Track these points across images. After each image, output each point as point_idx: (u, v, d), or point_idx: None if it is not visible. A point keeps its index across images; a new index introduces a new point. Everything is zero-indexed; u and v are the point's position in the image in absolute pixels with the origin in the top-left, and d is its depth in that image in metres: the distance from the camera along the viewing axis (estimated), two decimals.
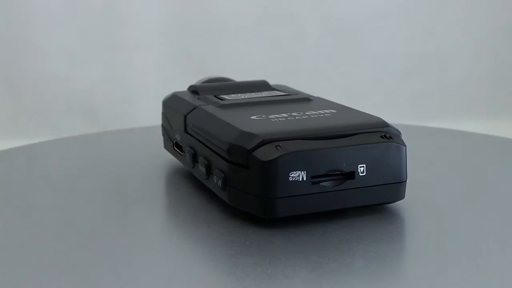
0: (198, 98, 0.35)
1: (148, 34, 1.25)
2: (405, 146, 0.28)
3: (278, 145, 0.27)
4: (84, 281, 0.23)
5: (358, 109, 0.34)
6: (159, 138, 0.38)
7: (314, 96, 0.35)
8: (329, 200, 0.27)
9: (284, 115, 0.30)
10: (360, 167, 0.27)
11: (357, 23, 1.28)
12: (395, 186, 0.28)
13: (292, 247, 0.26)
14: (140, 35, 1.25)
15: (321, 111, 0.31)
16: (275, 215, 0.27)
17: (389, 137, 0.28)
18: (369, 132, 0.28)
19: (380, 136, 0.28)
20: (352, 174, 0.27)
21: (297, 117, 0.30)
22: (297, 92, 0.36)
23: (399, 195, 0.29)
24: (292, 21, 1.28)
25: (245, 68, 1.25)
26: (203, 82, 0.39)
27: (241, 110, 0.32)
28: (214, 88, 0.37)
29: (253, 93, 0.36)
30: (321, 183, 0.27)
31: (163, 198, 0.32)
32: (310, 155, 0.27)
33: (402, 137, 0.29)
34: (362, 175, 0.28)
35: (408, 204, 0.30)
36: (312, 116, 0.30)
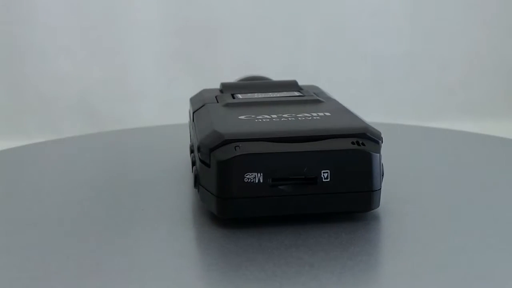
0: (215, 96, 0.35)
1: (148, 34, 1.25)
2: (378, 154, 0.27)
3: (237, 146, 0.27)
4: (77, 277, 0.23)
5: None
6: (159, 138, 0.38)
7: (331, 99, 0.34)
8: (289, 204, 0.27)
9: (274, 116, 0.30)
10: (323, 172, 0.27)
11: (357, 23, 1.28)
12: (365, 195, 0.27)
13: (230, 248, 0.26)
14: (140, 35, 1.25)
15: (314, 114, 0.30)
16: (230, 215, 0.27)
17: (361, 144, 0.27)
18: (341, 137, 0.27)
19: (351, 142, 0.27)
20: (315, 180, 0.27)
21: (282, 119, 0.29)
22: (317, 94, 0.35)
23: (371, 204, 0.27)
24: (292, 21, 1.28)
25: (244, 68, 1.25)
26: (239, 80, 0.39)
27: (239, 109, 0.32)
28: (237, 86, 0.37)
29: (271, 93, 0.35)
30: (279, 187, 0.27)
31: (158, 196, 0.32)
32: (267, 157, 0.26)
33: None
34: (326, 181, 0.27)
35: (390, 212, 0.29)
36: (299, 118, 0.30)
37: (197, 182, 0.28)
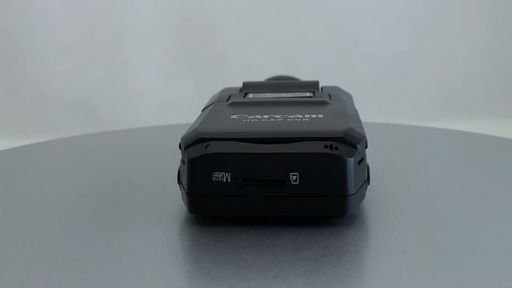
0: (230, 95, 0.35)
1: (148, 34, 1.25)
2: (352, 158, 0.26)
3: (209, 145, 0.27)
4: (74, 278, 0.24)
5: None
6: (159, 138, 0.38)
7: (340, 101, 0.34)
8: (257, 205, 0.27)
9: (266, 116, 0.30)
10: (292, 175, 0.26)
11: (357, 23, 1.28)
12: (336, 200, 0.26)
13: (185, 246, 0.26)
14: (140, 35, 1.26)
15: (307, 115, 0.30)
16: (199, 213, 0.28)
17: (335, 148, 0.26)
18: (316, 140, 0.27)
19: (324, 146, 0.26)
20: (283, 182, 0.26)
21: (271, 120, 0.29)
22: (332, 95, 0.35)
23: (342, 210, 0.27)
24: (292, 21, 1.28)
25: (244, 68, 1.25)
26: (267, 80, 0.39)
27: (238, 109, 0.32)
28: (256, 86, 0.37)
29: (284, 93, 0.35)
30: (247, 187, 0.27)
31: (152, 195, 0.32)
32: (235, 157, 0.26)
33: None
34: (295, 184, 0.26)
35: (368, 218, 0.28)
36: (288, 119, 0.29)
37: (179, 179, 0.29)
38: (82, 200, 0.32)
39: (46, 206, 0.31)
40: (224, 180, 0.26)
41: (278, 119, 0.30)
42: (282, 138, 0.27)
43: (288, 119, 0.30)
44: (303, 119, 0.29)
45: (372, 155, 0.37)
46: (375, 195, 0.31)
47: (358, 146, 0.27)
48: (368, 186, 0.29)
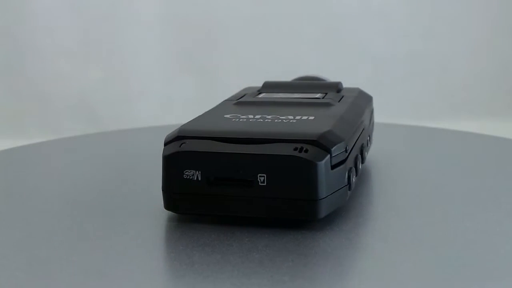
0: (245, 94, 0.35)
1: (148, 34, 1.25)
2: (321, 162, 0.26)
3: (183, 143, 0.27)
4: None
5: None
6: (159, 138, 0.38)
7: (347, 104, 0.33)
8: (225, 205, 0.27)
9: (258, 116, 0.30)
10: (260, 176, 0.26)
11: (357, 23, 1.28)
12: (304, 203, 0.26)
13: (147, 241, 0.27)
14: (140, 35, 1.25)
15: (298, 117, 0.30)
16: (171, 210, 0.28)
17: (304, 150, 0.26)
18: (288, 142, 0.26)
19: (294, 148, 0.26)
20: (251, 183, 0.26)
21: (259, 120, 0.29)
22: (344, 97, 0.34)
23: (311, 213, 0.26)
24: (292, 21, 1.28)
25: (244, 68, 1.25)
26: (293, 80, 0.39)
27: (239, 108, 0.32)
28: (273, 86, 0.37)
29: (296, 94, 0.35)
30: (217, 186, 0.27)
31: (151, 195, 0.32)
32: (205, 156, 0.27)
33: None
34: (263, 185, 0.26)
35: (345, 224, 0.28)
36: (276, 120, 0.29)
37: None
38: (81, 200, 0.32)
39: (45, 206, 0.31)
40: (195, 178, 0.27)
41: (266, 120, 0.29)
42: (256, 139, 0.27)
43: (276, 120, 0.29)
44: (291, 121, 0.29)
45: (371, 155, 0.37)
46: (370, 197, 0.31)
47: (332, 149, 0.26)
48: (364, 188, 0.29)
